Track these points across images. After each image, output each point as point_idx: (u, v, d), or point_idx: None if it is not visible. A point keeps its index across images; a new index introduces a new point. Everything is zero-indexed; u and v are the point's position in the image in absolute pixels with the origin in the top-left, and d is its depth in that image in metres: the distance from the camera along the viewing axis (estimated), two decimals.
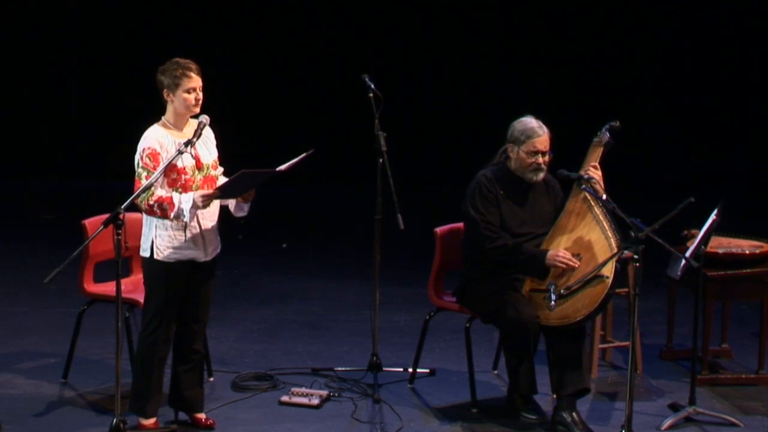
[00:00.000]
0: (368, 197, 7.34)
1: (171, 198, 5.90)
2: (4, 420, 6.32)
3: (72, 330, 6.96)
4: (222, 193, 6.03)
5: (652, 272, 6.69)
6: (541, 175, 6.58)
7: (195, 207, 5.92)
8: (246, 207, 6.22)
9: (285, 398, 6.78)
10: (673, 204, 6.11)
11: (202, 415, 6.37)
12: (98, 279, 6.94)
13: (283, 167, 6.09)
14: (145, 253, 6.08)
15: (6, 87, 13.19)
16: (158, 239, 6.03)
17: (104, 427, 5.97)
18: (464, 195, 6.60)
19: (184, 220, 5.92)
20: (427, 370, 7.32)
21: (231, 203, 6.23)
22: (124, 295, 5.95)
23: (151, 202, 5.90)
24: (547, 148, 6.55)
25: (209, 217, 6.13)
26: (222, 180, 6.19)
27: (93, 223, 6.80)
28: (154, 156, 5.95)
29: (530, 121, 6.57)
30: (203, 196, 5.94)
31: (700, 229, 6.63)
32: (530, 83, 13.16)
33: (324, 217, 12.17)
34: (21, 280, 9.22)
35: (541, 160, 6.54)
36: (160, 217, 5.96)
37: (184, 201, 5.90)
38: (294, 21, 13.28)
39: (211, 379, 7.05)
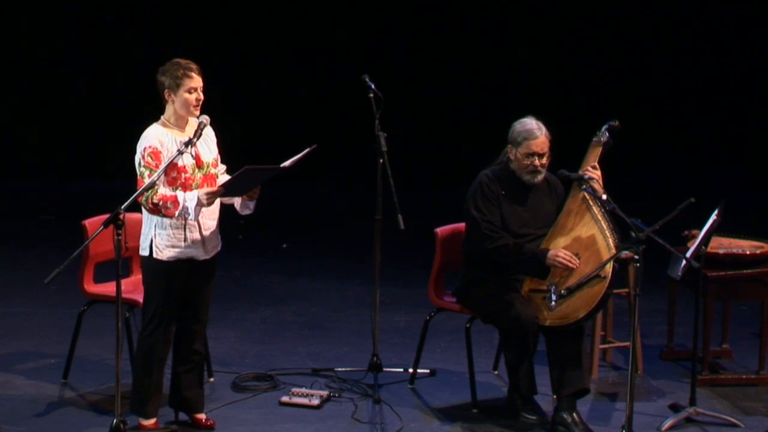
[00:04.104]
0: (368, 197, 7.34)
1: (175, 197, 5.89)
2: (5, 420, 6.32)
3: (72, 330, 6.96)
4: (226, 190, 6.02)
5: (652, 272, 6.69)
6: (539, 178, 6.56)
7: (200, 205, 5.91)
8: (252, 205, 6.21)
9: (285, 399, 6.78)
10: (673, 204, 6.11)
11: (202, 416, 6.37)
12: (98, 279, 6.95)
13: (286, 163, 6.08)
14: (144, 251, 6.08)
15: (6, 87, 13.17)
16: (157, 238, 6.02)
17: (104, 428, 5.97)
18: (466, 195, 6.60)
19: (189, 218, 5.91)
20: (428, 371, 7.31)
21: (237, 202, 6.22)
22: (124, 295, 5.95)
23: (155, 201, 5.88)
24: (544, 150, 6.53)
25: (209, 215, 6.12)
26: (223, 178, 6.19)
27: (93, 223, 6.80)
28: (155, 154, 5.94)
29: (529, 123, 6.56)
30: (208, 194, 5.93)
31: (700, 229, 6.63)
32: (530, 83, 13.14)
33: (324, 217, 12.16)
34: (21, 280, 9.21)
35: (537, 162, 6.52)
36: (163, 216, 5.95)
37: (188, 199, 5.89)
38: (294, 21, 13.26)
39: (212, 379, 7.05)
